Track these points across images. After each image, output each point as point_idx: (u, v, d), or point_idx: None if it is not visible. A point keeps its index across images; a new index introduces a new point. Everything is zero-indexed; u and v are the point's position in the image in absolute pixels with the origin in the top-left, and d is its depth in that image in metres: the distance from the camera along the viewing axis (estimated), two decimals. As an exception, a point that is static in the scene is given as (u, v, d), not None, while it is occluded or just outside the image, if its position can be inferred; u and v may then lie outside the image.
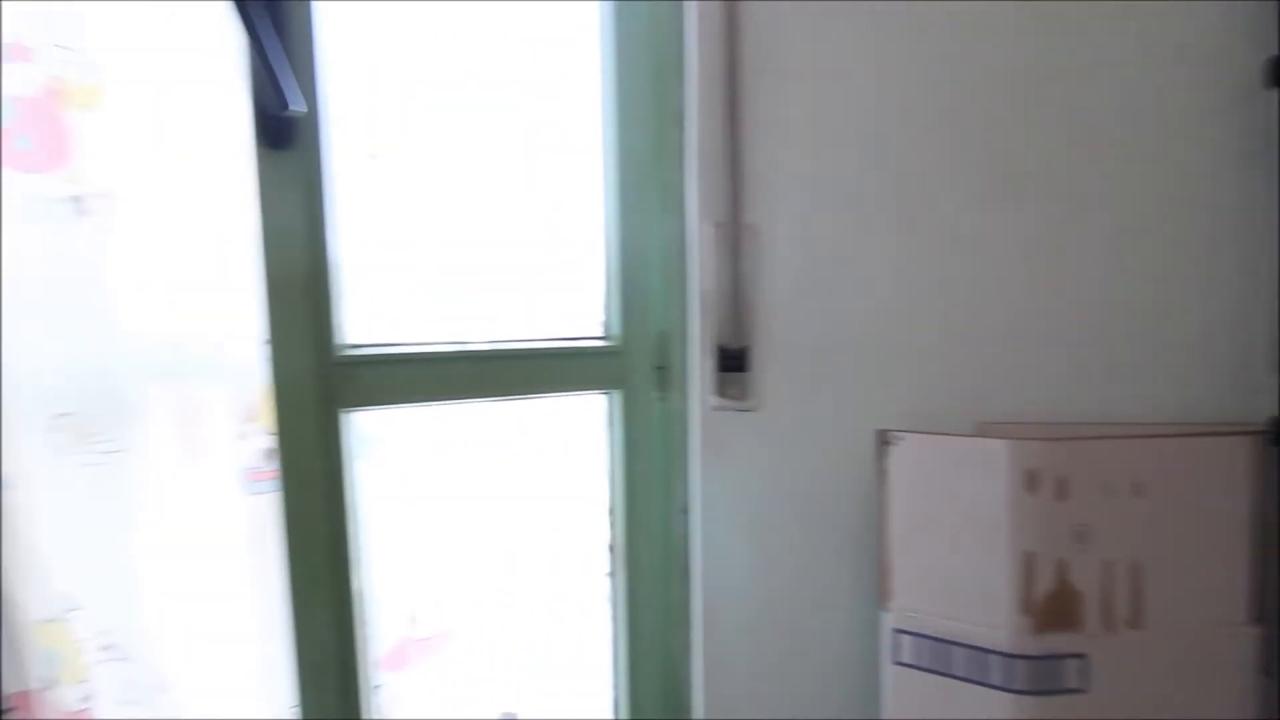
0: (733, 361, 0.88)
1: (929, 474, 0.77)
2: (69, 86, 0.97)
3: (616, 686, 1.04)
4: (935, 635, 0.75)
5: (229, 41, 0.92)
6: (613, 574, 1.04)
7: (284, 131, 0.71)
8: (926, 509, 0.77)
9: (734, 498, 0.91)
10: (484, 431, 1.04)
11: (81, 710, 1.08)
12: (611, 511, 1.02)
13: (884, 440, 0.80)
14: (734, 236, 0.86)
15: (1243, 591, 0.73)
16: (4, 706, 1.14)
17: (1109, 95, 0.85)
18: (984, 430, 0.82)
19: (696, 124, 0.85)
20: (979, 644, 0.72)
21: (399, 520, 1.04)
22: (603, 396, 0.99)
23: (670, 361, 0.95)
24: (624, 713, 1.03)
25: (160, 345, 1.09)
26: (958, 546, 0.74)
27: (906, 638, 0.78)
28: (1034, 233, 0.86)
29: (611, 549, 1.04)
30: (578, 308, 1.01)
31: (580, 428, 1.04)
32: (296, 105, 0.69)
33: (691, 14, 0.85)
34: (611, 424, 0.99)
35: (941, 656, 0.75)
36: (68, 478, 1.04)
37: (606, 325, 0.98)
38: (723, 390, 0.89)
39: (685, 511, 0.96)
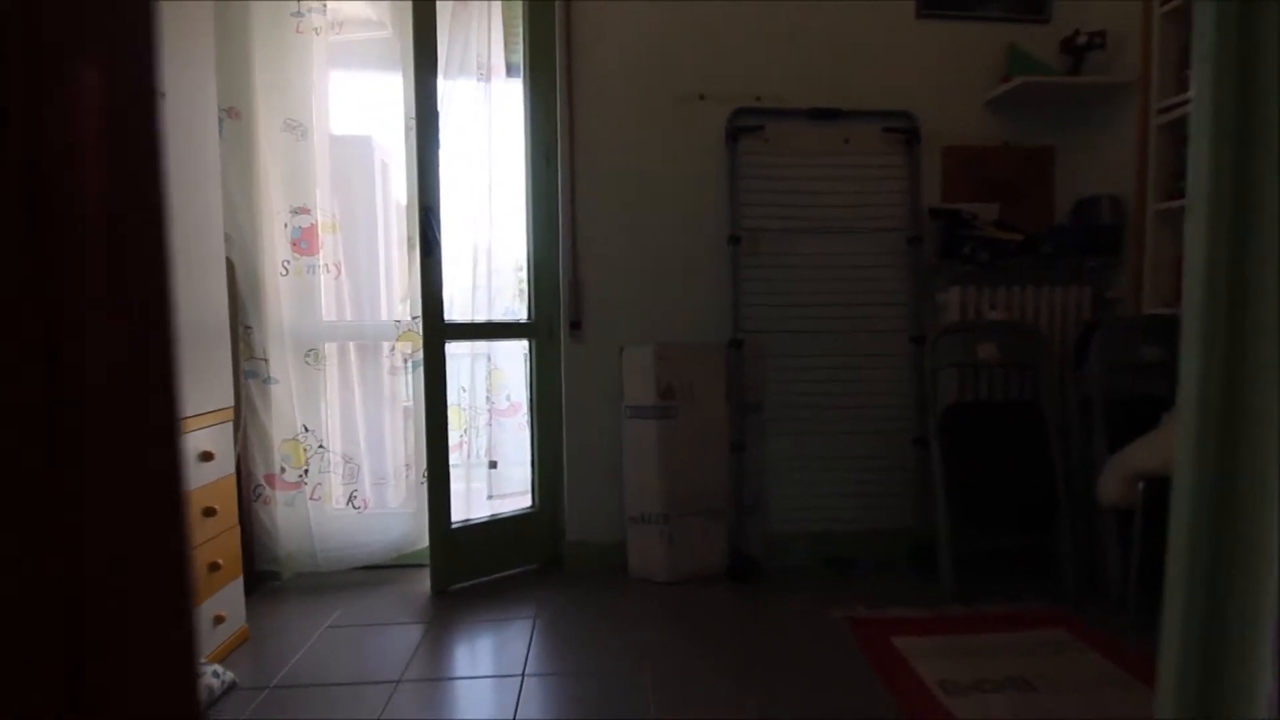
0: (576, 323, 2.56)
1: (634, 361, 2.49)
2: (321, 223, 2.56)
3: (531, 463, 2.69)
4: (635, 404, 2.47)
5: (396, 202, 2.54)
6: (531, 414, 2.68)
7: (432, 250, 2.31)
8: (629, 370, 2.49)
9: (578, 380, 2.59)
10: (487, 354, 2.66)
11: (299, 481, 2.64)
12: (530, 387, 2.67)
13: (621, 350, 2.52)
14: (575, 280, 2.54)
15: (723, 385, 2.49)
16: (259, 482, 2.65)
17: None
18: (653, 345, 2.55)
19: (560, 241, 2.53)
20: (645, 404, 2.45)
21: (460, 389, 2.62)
22: (528, 341, 2.65)
23: (554, 326, 2.62)
24: (537, 473, 2.67)
25: (352, 323, 2.69)
26: (640, 380, 2.46)
27: (628, 408, 2.49)
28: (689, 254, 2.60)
29: (530, 404, 2.68)
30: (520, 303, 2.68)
31: (520, 355, 2.69)
32: (439, 242, 2.30)
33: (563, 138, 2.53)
34: (531, 353, 2.66)
35: (638, 411, 2.47)
36: (308, 377, 2.63)
37: (529, 311, 2.65)
38: (572, 335, 2.57)
39: (560, 389, 2.62)
